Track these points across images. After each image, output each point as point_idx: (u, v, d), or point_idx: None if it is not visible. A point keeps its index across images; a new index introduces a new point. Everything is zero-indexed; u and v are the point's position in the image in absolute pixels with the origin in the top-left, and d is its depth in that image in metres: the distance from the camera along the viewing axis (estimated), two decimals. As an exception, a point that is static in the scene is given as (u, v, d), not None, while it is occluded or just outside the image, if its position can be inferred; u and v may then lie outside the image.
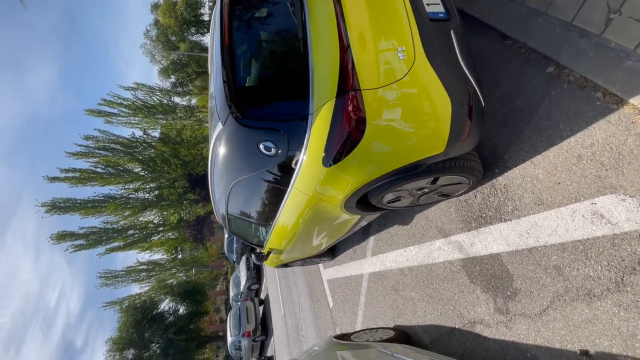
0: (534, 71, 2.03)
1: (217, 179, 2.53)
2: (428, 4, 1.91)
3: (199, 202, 26.90)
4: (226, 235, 17.22)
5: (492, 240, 2.28)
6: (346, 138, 1.75)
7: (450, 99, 1.71)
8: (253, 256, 3.94)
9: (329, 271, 5.60)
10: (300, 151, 1.92)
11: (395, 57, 1.69)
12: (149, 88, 29.40)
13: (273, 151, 1.97)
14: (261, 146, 1.97)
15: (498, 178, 2.26)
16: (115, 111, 27.14)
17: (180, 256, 29.69)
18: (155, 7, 32.18)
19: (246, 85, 2.02)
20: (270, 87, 1.98)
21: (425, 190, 2.34)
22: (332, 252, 5.25)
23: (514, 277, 2.13)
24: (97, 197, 25.67)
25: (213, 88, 2.14)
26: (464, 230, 2.52)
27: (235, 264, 18.05)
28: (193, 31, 31.23)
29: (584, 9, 1.65)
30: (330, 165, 1.88)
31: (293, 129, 1.87)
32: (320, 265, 6.10)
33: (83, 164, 25.13)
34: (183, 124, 29.17)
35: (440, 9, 1.91)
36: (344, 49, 1.68)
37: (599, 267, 1.71)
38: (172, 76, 32.87)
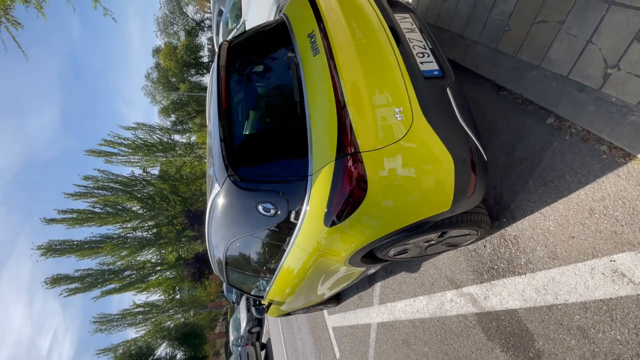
0: (533, 121, 2.02)
1: (215, 235, 2.44)
2: (422, 63, 1.93)
3: (198, 239, 26.44)
4: (226, 275, 16.74)
5: (508, 294, 2.15)
6: (348, 198, 1.68)
7: (452, 157, 1.66)
8: (253, 309, 3.73)
9: (334, 318, 5.33)
10: (300, 211, 1.85)
11: (392, 118, 1.67)
12: (149, 127, 30.01)
13: (272, 212, 1.90)
14: (260, 207, 1.90)
15: (507, 228, 2.17)
16: (116, 151, 27.50)
17: (178, 296, 28.65)
18: (156, 51, 33.69)
19: (244, 145, 1.99)
20: (268, 148, 1.95)
21: (433, 242, 2.25)
22: (336, 298, 5.03)
23: (534, 336, 1.98)
24: (94, 238, 25.29)
25: (210, 145, 2.11)
26: (476, 282, 2.39)
27: (235, 304, 17.34)
28: (193, 72, 32.49)
29: (580, 63, 1.66)
30: (332, 225, 1.80)
31: (292, 190, 1.82)
32: (325, 311, 5.82)
33: (81, 204, 24.99)
34: (182, 160, 29.49)
35: (434, 66, 1.93)
36: (341, 112, 1.66)
37: (626, 330, 1.58)
38: (172, 115, 33.71)
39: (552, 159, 1.90)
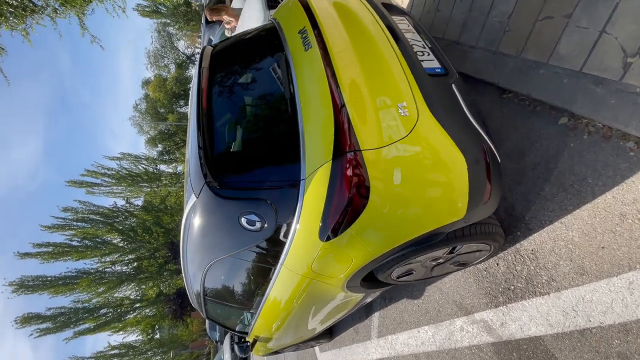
0: (544, 123, 1.86)
1: (191, 258, 2.12)
2: (423, 60, 1.79)
3: (180, 273, 25.12)
4: (210, 310, 15.60)
5: (529, 319, 1.87)
6: (347, 205, 1.43)
7: (465, 157, 1.46)
8: (236, 347, 3.29)
9: (327, 356, 4.83)
10: (290, 223, 1.58)
11: (395, 114, 1.48)
12: (135, 157, 29.52)
13: (258, 225, 1.63)
14: (243, 220, 1.63)
15: (522, 242, 1.95)
16: (98, 181, 26.73)
17: (157, 336, 26.65)
18: (146, 83, 34.01)
19: (225, 152, 1.75)
20: (253, 152, 1.72)
21: (441, 260, 1.99)
22: (329, 332, 4.58)
23: (566, 368, 1.69)
24: (69, 273, 23.87)
25: (188, 155, 1.87)
26: (490, 307, 2.11)
27: (219, 343, 16.09)
28: (182, 103, 32.73)
29: (594, 55, 1.53)
30: (328, 239, 1.53)
31: (282, 197, 1.56)
32: (317, 348, 5.31)
33: (58, 237, 23.78)
34: (168, 191, 28.79)
35: (436, 64, 1.79)
36: (338, 107, 1.46)
37: (682, 357, 1.32)
38: (159, 145, 33.43)
39: (570, 161, 1.72)
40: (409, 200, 1.47)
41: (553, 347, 1.75)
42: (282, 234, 1.63)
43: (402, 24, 2.04)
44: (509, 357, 1.98)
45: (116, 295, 24.63)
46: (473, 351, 2.23)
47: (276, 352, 4.43)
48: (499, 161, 1.60)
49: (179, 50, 33.76)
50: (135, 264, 25.31)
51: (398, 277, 2.10)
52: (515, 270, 1.98)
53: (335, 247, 1.58)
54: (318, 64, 1.58)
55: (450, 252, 1.86)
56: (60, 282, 23.17)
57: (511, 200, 2.02)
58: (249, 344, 3.36)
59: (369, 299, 2.99)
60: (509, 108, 2.06)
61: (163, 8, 29.54)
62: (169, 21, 31.25)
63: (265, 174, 1.62)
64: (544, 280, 1.81)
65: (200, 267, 2.13)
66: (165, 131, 32.70)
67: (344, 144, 1.40)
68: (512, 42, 1.95)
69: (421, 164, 1.46)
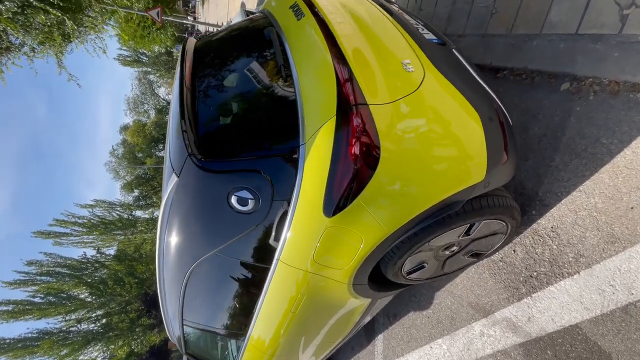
0: (544, 93, 1.82)
1: (169, 268, 1.81)
2: (418, 30, 1.75)
3: (155, 328, 23.02)
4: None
5: (560, 306, 1.66)
6: (356, 169, 1.25)
7: (479, 114, 1.35)
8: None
9: (324, 396, 4.25)
10: (289, 200, 1.37)
11: (401, 70, 1.38)
12: (109, 204, 28.31)
13: (250, 205, 1.40)
14: (233, 200, 1.40)
15: (539, 221, 1.79)
16: (68, 230, 25.14)
17: (127, 404, 23.51)
18: (124, 128, 33.82)
19: (211, 122, 1.56)
20: (243, 120, 1.54)
21: (454, 248, 1.79)
22: (326, 367, 4.07)
23: (611, 356, 1.46)
24: (30, 335, 21.41)
25: (168, 137, 1.66)
26: (512, 301, 1.89)
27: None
28: (161, 147, 32.45)
29: (588, 15, 1.53)
30: (334, 214, 1.32)
31: (278, 168, 1.37)
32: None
33: (20, 294, 21.64)
34: (143, 237, 27.33)
35: (432, 36, 1.75)
36: (338, 62, 1.34)
37: None
38: (135, 190, 32.40)
39: (578, 126, 1.65)
40: (425, 161, 1.31)
41: (593, 333, 1.53)
42: (279, 214, 1.41)
43: (392, 6, 2.04)
44: (542, 357, 1.72)
45: (81, 358, 22.00)
46: (498, 358, 1.95)
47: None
48: (511, 123, 1.50)
49: (160, 96, 34.25)
50: (104, 320, 23.09)
51: (408, 274, 1.86)
52: (536, 254, 1.80)
53: (343, 225, 1.37)
54: (313, 26, 1.49)
55: (466, 234, 1.67)
56: (19, 345, 20.67)
57: (520, 179, 1.90)
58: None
59: (368, 318, 2.66)
60: (505, 86, 2.02)
61: (144, 58, 30.38)
62: (149, 69, 32.00)
63: (257, 142, 1.43)
64: (570, 259, 1.64)
65: (179, 277, 1.82)
66: (143, 175, 31.94)
67: (348, 97, 1.26)
68: (501, 22, 1.97)
69: (434, 120, 1.33)
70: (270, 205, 1.39)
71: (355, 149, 1.24)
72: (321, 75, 1.33)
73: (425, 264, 1.83)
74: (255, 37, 1.85)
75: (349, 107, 1.25)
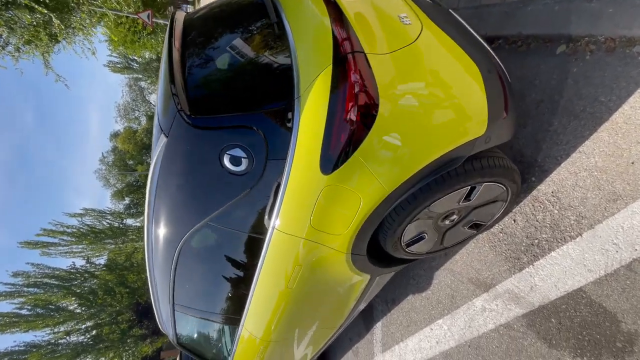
0: (540, 58, 1.81)
1: (158, 242, 1.73)
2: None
3: (147, 338, 22.47)
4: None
5: (563, 272, 1.62)
6: (354, 120, 1.21)
7: (477, 66, 1.33)
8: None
9: (322, 392, 4.14)
10: (284, 159, 1.32)
11: (397, 23, 1.35)
12: (99, 212, 27.75)
13: (244, 164, 1.34)
14: (226, 159, 1.34)
15: (539, 188, 1.77)
16: (56, 240, 24.51)
17: (117, 419, 22.74)
18: (114, 136, 33.40)
19: (202, 80, 1.51)
20: (234, 76, 1.49)
21: (454, 217, 1.74)
22: (324, 363, 3.98)
23: (617, 316, 1.42)
24: (16, 348, 20.74)
25: (157, 99, 1.60)
26: (514, 272, 1.85)
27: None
28: (152, 154, 32.04)
29: (582, -25, 1.53)
30: (332, 171, 1.27)
31: (272, 123, 1.32)
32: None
33: (6, 306, 21.00)
34: (134, 246, 26.84)
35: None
36: (334, 11, 1.30)
37: None
38: (126, 198, 31.87)
39: (576, 87, 1.64)
40: (424, 113, 1.27)
41: (598, 295, 1.49)
42: (274, 174, 1.35)
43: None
44: (546, 326, 1.68)
45: (70, 371, 21.30)
46: (501, 332, 1.90)
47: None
48: (509, 80, 1.48)
49: (151, 103, 34.00)
50: (94, 331, 22.47)
51: (408, 245, 1.81)
52: (537, 221, 1.77)
53: (341, 184, 1.32)
54: None
55: (467, 199, 1.63)
56: (6, 359, 19.98)
57: (518, 147, 1.88)
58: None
59: (363, 305, 2.58)
60: (501, 55, 1.99)
61: (135, 64, 30.19)
62: (140, 76, 31.77)
63: (250, 97, 1.38)
64: (572, 222, 1.61)
65: (169, 252, 1.74)
66: (134, 183, 31.51)
67: (345, 46, 1.22)
68: (494, -8, 1.97)
69: (433, 72, 1.30)
70: (264, 164, 1.33)
71: (353, 99, 1.20)
72: (315, 25, 1.29)
73: (425, 235, 1.78)
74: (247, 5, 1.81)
75: (346, 55, 1.21)
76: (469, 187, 1.54)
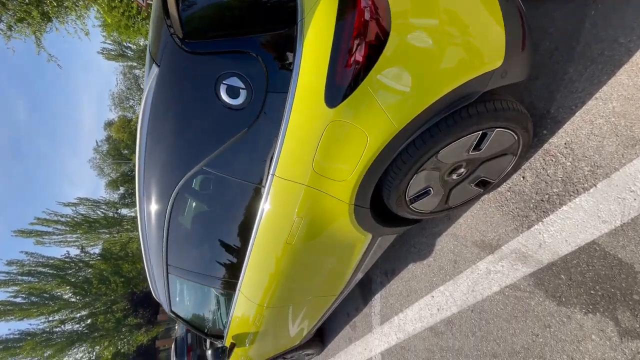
0: (556, 4, 1.72)
1: (150, 194, 1.63)
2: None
3: (142, 327, 22.46)
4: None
5: (574, 226, 1.55)
6: (363, 44, 1.11)
7: None
8: (209, 353, 2.63)
9: (319, 369, 4.11)
10: (286, 90, 1.22)
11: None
12: (93, 202, 27.47)
13: (242, 97, 1.24)
14: (222, 91, 1.24)
15: (551, 140, 1.69)
16: (50, 229, 24.29)
17: (112, 406, 22.84)
18: (109, 124, 32.97)
19: (195, 10, 1.39)
20: (232, 5, 1.37)
21: (462, 171, 1.66)
22: (320, 340, 3.93)
23: (634, 266, 1.36)
24: (11, 336, 20.67)
25: (149, 39, 1.49)
26: (521, 231, 1.78)
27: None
28: (147, 143, 31.68)
29: None
30: (339, 103, 1.18)
31: (273, 49, 1.21)
32: (306, 364, 4.54)
33: (1, 294, 20.90)
34: (129, 236, 26.68)
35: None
36: None
37: None
38: (120, 188, 31.60)
39: (594, 30, 1.55)
40: (439, 39, 1.18)
41: (612, 246, 1.42)
42: (274, 109, 1.25)
43: None
44: (555, 283, 1.62)
45: (66, 359, 21.29)
46: (507, 294, 1.84)
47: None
48: (525, 12, 1.38)
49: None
50: (89, 320, 22.43)
51: (412, 202, 1.73)
52: (547, 176, 1.69)
53: (347, 119, 1.23)
54: None
55: (476, 149, 1.54)
56: (0, 347, 19.91)
57: (530, 100, 1.79)
58: (225, 349, 2.71)
59: (361, 274, 2.50)
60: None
61: (129, 52, 29.63)
62: (135, 64, 31.24)
63: (249, 19, 1.28)
64: (586, 172, 1.53)
65: (162, 205, 1.65)
66: (129, 173, 31.22)
67: None
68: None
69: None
70: (264, 97, 1.24)
71: (363, 22, 1.10)
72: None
73: (431, 189, 1.70)
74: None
75: None
76: (480, 134, 1.46)
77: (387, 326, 2.80)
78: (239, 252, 1.81)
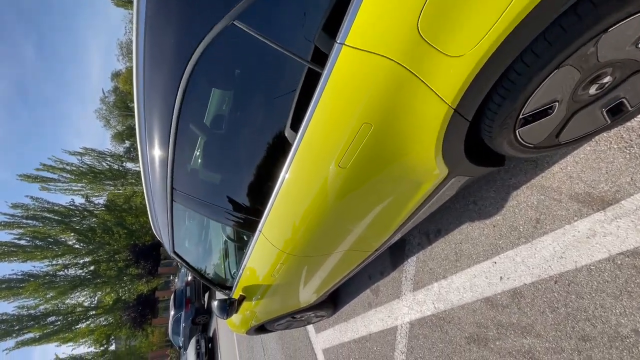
0: None
1: (155, 68, 1.13)
2: None
3: (142, 277, 23.02)
4: (172, 313, 13.77)
5: None
6: None
7: None
8: (215, 304, 2.24)
9: (326, 335, 3.81)
10: None
11: None
12: (99, 153, 27.28)
13: None
14: None
15: None
16: (55, 176, 24.33)
17: (113, 347, 23.94)
18: (116, 75, 32.13)
19: None
20: None
21: (606, 81, 1.14)
22: (332, 302, 3.59)
23: None
24: (15, 276, 21.35)
25: None
26: (661, 178, 1.28)
27: (182, 350, 14.26)
28: (155, 98, 30.97)
29: None
30: None
31: None
32: (310, 328, 4.27)
33: (5, 236, 21.38)
34: (133, 190, 26.71)
35: None
36: None
37: None
38: (126, 141, 31.35)
39: None
40: None
41: None
42: None
43: None
44: None
45: (68, 301, 22.06)
46: (620, 262, 1.37)
47: (262, 329, 3.38)
48: None
49: (155, 41, 32.27)
50: (92, 267, 22.98)
51: (524, 123, 1.22)
52: None
53: None
54: None
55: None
56: (3, 286, 20.61)
57: None
58: (233, 301, 2.32)
59: (397, 236, 2.03)
60: None
61: (139, -3, 28.13)
62: (145, 10, 29.77)
63: None
64: None
65: (165, 102, 1.16)
66: (134, 126, 30.86)
67: None
68: None
69: None
70: None
71: None
72: None
73: (556, 105, 1.18)
74: None
75: None
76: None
77: (423, 293, 2.39)
78: (269, 176, 1.34)
